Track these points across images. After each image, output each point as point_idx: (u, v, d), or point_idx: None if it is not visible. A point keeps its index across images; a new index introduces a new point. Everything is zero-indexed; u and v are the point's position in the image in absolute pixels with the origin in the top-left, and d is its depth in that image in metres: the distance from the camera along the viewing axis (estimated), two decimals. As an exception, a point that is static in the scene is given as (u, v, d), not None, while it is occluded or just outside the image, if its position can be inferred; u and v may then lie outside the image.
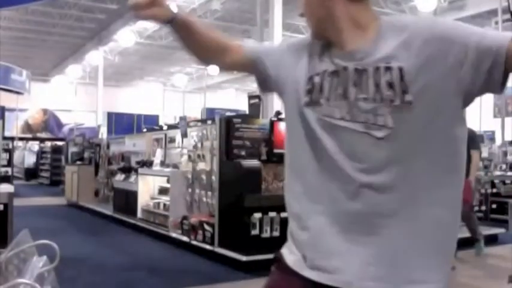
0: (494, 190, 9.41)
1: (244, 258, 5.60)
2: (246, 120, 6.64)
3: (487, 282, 5.41)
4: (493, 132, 16.29)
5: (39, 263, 2.08)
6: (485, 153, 9.71)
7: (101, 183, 11.95)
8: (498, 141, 12.92)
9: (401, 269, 1.20)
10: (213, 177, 6.78)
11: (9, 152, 13.98)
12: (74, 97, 26.35)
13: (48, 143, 24.34)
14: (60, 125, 27.84)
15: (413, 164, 1.19)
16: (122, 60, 24.52)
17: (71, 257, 5.85)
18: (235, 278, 5.39)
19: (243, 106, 12.39)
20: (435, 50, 1.16)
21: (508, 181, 9.59)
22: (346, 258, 1.22)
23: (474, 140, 5.91)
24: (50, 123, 28.02)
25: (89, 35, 21.25)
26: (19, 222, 4.93)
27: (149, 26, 19.57)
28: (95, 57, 22.59)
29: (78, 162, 13.47)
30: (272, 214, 5.74)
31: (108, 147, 12.23)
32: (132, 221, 8.82)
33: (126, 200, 9.17)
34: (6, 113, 19.54)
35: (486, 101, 14.69)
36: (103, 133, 18.15)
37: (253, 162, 6.13)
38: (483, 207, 8.60)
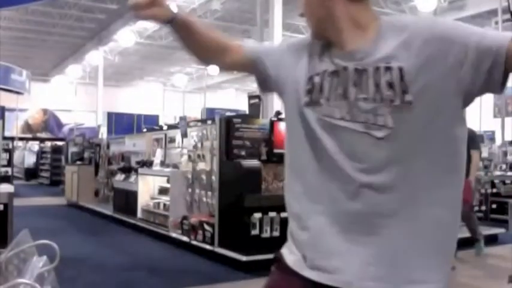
0: (494, 190, 9.41)
1: (244, 258, 5.60)
2: (246, 120, 6.64)
3: (487, 282, 5.41)
4: (493, 132, 16.29)
5: (39, 263, 2.08)
6: (485, 153, 9.71)
7: (101, 183, 11.95)
8: (498, 141, 12.92)
9: (401, 269, 1.20)
10: (213, 177, 6.78)
11: (9, 152, 13.98)
12: (74, 97, 26.35)
13: (48, 143, 24.34)
14: (60, 125, 27.84)
15: (413, 164, 1.19)
16: (121, 60, 24.52)
17: (71, 257, 5.85)
18: (235, 278, 5.39)
19: (243, 106, 12.39)
20: (435, 50, 1.16)
21: (508, 181, 9.58)
22: (346, 258, 1.22)
23: (474, 140, 5.91)
24: (50, 123, 28.02)
25: (89, 35, 21.25)
26: (19, 222, 4.93)
27: (149, 26, 19.57)
28: (95, 57, 22.58)
29: (78, 162, 13.47)
30: (272, 214, 5.74)
31: (108, 147, 12.23)
32: (132, 221, 8.82)
33: (126, 200, 9.17)
34: (6, 113, 19.54)
35: (486, 101, 14.69)
36: (103, 133, 18.15)
37: (253, 162, 6.13)
38: (483, 207, 8.60)
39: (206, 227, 6.43)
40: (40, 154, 22.41)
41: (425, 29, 1.19)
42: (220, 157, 6.43)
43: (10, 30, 18.77)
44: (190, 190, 7.56)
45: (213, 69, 26.02)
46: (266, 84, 1.49)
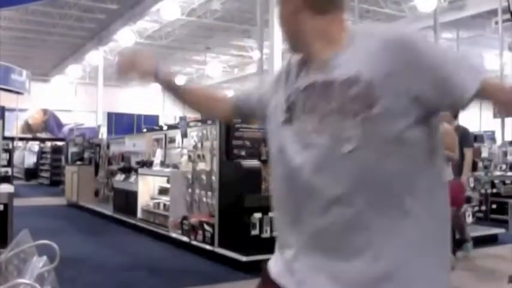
0: (494, 190, 9.40)
1: (244, 258, 5.60)
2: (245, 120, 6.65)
3: (487, 282, 5.41)
4: (493, 132, 16.26)
5: (39, 263, 2.08)
6: (485, 153, 9.69)
7: (101, 183, 11.96)
8: (498, 141, 12.91)
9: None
10: (213, 178, 6.78)
11: (9, 152, 13.99)
12: (74, 97, 26.35)
13: (48, 143, 24.36)
14: (60, 125, 27.83)
15: (381, 177, 1.17)
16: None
17: (71, 257, 5.85)
18: (235, 278, 5.39)
19: (243, 106, 12.37)
20: (402, 67, 1.14)
21: (508, 181, 9.58)
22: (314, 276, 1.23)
23: (467, 137, 5.88)
24: (50, 123, 28.01)
25: (89, 35, 21.24)
26: (19, 222, 4.93)
27: (149, 26, 19.58)
28: (95, 57, 22.58)
29: (78, 163, 13.48)
30: (272, 214, 5.73)
31: (108, 147, 12.24)
32: (132, 221, 8.82)
33: (126, 200, 9.17)
34: (6, 113, 19.54)
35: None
36: (103, 133, 18.16)
37: (253, 162, 6.13)
38: (483, 207, 8.59)
39: (206, 227, 6.43)
40: (40, 154, 22.42)
41: (395, 43, 1.17)
42: (220, 157, 6.43)
43: (10, 30, 18.76)
44: (190, 190, 7.56)
45: (213, 69, 26.05)
46: (263, 118, 1.49)
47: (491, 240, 7.25)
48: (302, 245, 1.25)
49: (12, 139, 16.56)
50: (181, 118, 8.61)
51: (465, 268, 5.68)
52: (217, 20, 17.94)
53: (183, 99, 1.65)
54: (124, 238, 8.15)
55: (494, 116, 10.53)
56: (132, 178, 9.15)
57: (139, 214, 8.69)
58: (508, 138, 13.23)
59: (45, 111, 27.94)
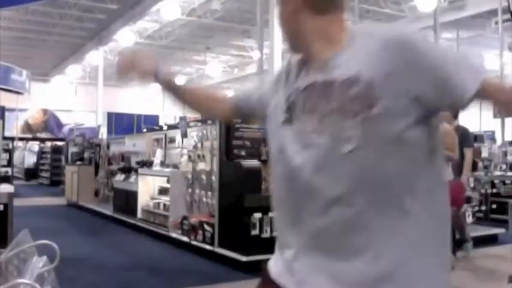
0: (494, 190, 9.40)
1: (244, 258, 5.60)
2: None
3: (487, 282, 5.41)
4: (493, 132, 16.26)
5: (39, 263, 2.08)
6: (485, 153, 9.69)
7: (101, 183, 11.96)
8: (498, 141, 12.91)
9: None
10: (213, 178, 6.78)
11: (9, 152, 13.99)
12: (74, 97, 26.34)
13: (48, 143, 24.35)
14: (60, 125, 27.82)
15: (381, 177, 1.17)
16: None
17: (71, 257, 5.84)
18: (235, 278, 5.38)
19: (243, 106, 12.37)
20: (402, 67, 1.14)
21: (508, 181, 9.58)
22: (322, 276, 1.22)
23: (467, 137, 5.87)
24: (50, 123, 28.01)
25: (89, 35, 21.24)
26: (19, 222, 4.93)
27: (149, 26, 19.58)
28: (95, 57, 22.58)
29: (78, 163, 13.48)
30: (272, 214, 5.73)
31: (108, 147, 12.24)
32: (132, 221, 8.82)
33: (126, 200, 9.17)
34: (6, 113, 19.54)
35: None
36: (103, 133, 18.16)
37: (253, 162, 6.13)
38: (483, 207, 8.59)
39: (206, 227, 6.43)
40: (40, 154, 22.42)
41: (395, 43, 1.17)
42: (220, 157, 6.43)
43: (10, 30, 18.76)
44: (190, 190, 7.56)
45: (213, 69, 26.05)
46: (263, 118, 1.49)
47: (491, 240, 7.25)
48: (302, 245, 1.25)
49: (12, 139, 16.57)
50: (181, 118, 8.60)
51: (465, 268, 5.68)
52: (217, 20, 17.93)
53: (183, 99, 1.65)
54: (124, 238, 8.15)
55: (494, 116, 10.52)
56: (132, 178, 9.15)
57: (139, 214, 8.69)
58: (508, 138, 13.22)
59: (45, 111, 27.94)
